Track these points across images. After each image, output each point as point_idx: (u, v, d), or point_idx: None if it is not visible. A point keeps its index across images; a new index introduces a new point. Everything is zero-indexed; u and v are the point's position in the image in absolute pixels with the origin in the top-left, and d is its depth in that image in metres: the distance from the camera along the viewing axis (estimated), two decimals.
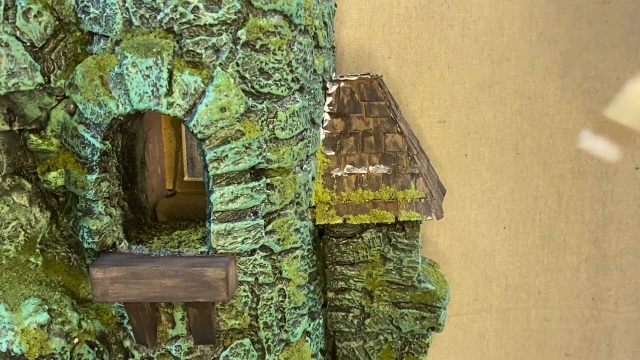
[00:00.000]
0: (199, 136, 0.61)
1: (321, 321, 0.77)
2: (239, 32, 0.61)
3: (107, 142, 0.64)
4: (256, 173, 0.65)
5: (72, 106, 0.65)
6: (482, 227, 0.89)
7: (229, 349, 0.70)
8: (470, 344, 0.94)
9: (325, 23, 0.70)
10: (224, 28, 0.60)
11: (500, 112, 0.85)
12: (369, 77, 0.73)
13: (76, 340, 0.67)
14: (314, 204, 0.71)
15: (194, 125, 0.61)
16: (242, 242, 0.65)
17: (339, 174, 0.72)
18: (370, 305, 0.76)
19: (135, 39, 0.61)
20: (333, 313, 0.77)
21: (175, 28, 0.60)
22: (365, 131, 0.73)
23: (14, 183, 0.69)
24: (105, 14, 0.61)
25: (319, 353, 0.78)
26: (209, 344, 0.70)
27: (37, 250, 0.70)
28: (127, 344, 0.72)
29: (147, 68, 0.60)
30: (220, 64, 0.61)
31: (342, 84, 0.73)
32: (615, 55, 0.84)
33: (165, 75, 0.60)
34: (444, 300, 0.76)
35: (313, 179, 0.71)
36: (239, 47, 0.61)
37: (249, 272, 0.68)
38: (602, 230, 0.89)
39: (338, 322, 0.77)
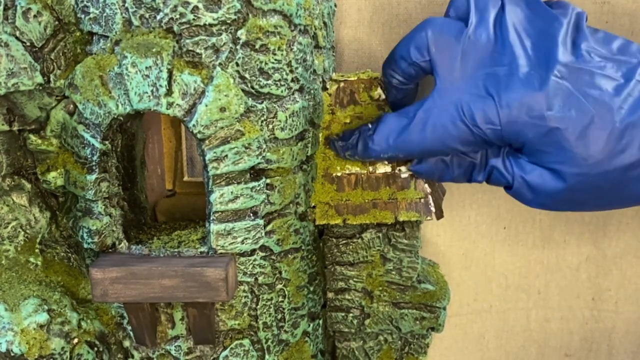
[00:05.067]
0: (199, 136, 0.61)
1: (321, 321, 0.77)
2: (239, 32, 0.61)
3: (107, 142, 0.64)
4: (256, 173, 0.65)
5: (72, 106, 0.65)
6: (482, 227, 0.89)
7: (228, 349, 0.70)
8: (470, 344, 0.94)
9: (324, 23, 0.70)
10: (223, 28, 0.60)
11: None
12: (369, 77, 0.73)
13: (75, 340, 0.67)
14: (313, 204, 0.71)
15: (194, 125, 0.61)
16: (242, 242, 0.65)
17: (339, 174, 0.72)
18: (370, 305, 0.76)
19: (135, 38, 0.61)
20: (333, 313, 0.77)
21: (175, 28, 0.60)
22: None
23: (13, 183, 0.69)
24: (105, 14, 0.61)
25: (319, 353, 0.78)
26: (209, 344, 0.70)
27: (37, 250, 0.70)
28: (127, 343, 0.72)
29: (146, 68, 0.60)
30: (220, 64, 0.61)
31: (342, 84, 0.73)
32: None
33: (164, 75, 0.60)
34: (443, 300, 0.76)
35: (313, 179, 0.71)
36: (238, 47, 0.61)
37: (249, 272, 0.68)
38: (602, 230, 0.89)
39: (338, 322, 0.77)
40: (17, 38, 0.62)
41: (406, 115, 0.64)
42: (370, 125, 0.67)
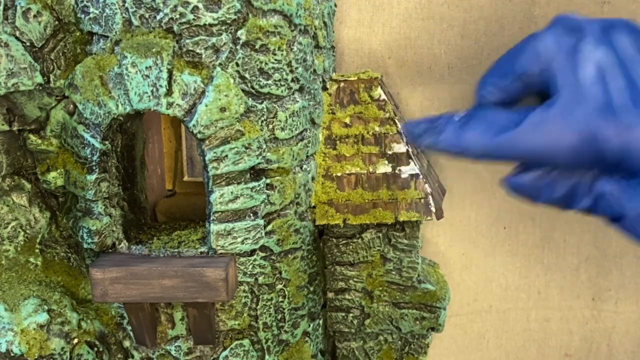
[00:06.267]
0: (199, 136, 0.61)
1: (321, 321, 0.77)
2: (239, 32, 0.61)
3: (107, 142, 0.64)
4: (256, 173, 0.65)
5: (72, 106, 0.65)
6: (482, 227, 0.89)
7: (228, 349, 0.70)
8: (470, 344, 0.94)
9: (324, 23, 0.70)
10: (223, 28, 0.60)
11: None
12: (369, 77, 0.73)
13: (75, 341, 0.67)
14: (313, 204, 0.71)
15: (194, 125, 0.61)
16: (242, 242, 0.65)
17: (339, 174, 0.72)
18: (370, 306, 0.76)
19: (135, 38, 0.61)
20: (333, 313, 0.77)
21: (175, 28, 0.60)
22: (365, 131, 0.72)
23: (13, 183, 0.69)
24: (105, 14, 0.61)
25: (319, 353, 0.78)
26: (209, 344, 0.70)
27: (37, 250, 0.70)
28: (127, 344, 0.72)
29: (146, 68, 0.60)
30: (220, 64, 0.61)
31: (342, 84, 0.73)
32: None
33: (164, 75, 0.60)
34: (443, 301, 0.76)
35: (313, 179, 0.71)
36: (238, 47, 0.61)
37: (249, 273, 0.68)
38: (602, 230, 0.89)
39: (338, 322, 0.77)
40: (17, 38, 0.62)
41: (511, 115, 0.57)
42: (458, 115, 0.59)
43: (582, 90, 0.55)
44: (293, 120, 0.65)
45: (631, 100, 0.54)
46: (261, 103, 0.63)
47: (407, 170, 0.71)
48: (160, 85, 0.60)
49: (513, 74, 0.59)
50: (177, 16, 0.59)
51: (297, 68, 0.64)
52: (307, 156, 0.69)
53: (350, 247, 0.74)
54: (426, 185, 0.71)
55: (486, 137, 0.57)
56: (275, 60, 0.62)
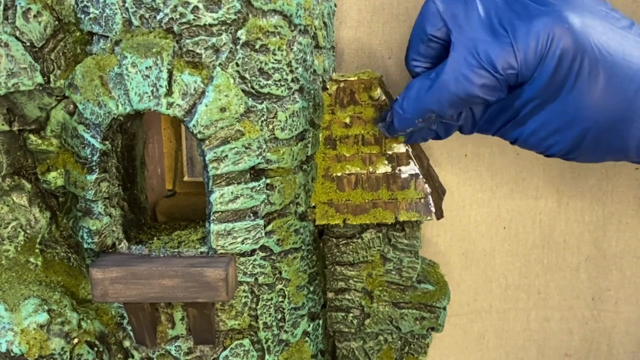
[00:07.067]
0: (199, 136, 0.61)
1: (321, 321, 0.77)
2: (239, 32, 0.61)
3: (107, 142, 0.64)
4: (256, 173, 0.65)
5: (72, 106, 0.65)
6: (482, 227, 0.89)
7: (228, 349, 0.70)
8: (470, 344, 0.94)
9: (324, 23, 0.70)
10: (223, 28, 0.60)
11: None
12: (369, 77, 0.73)
13: (75, 340, 0.67)
14: (313, 204, 0.71)
15: (194, 125, 0.61)
16: (242, 242, 0.65)
17: (339, 174, 0.72)
18: (370, 305, 0.76)
19: (135, 38, 0.61)
20: (333, 313, 0.77)
21: (175, 28, 0.60)
22: (365, 131, 0.72)
23: (13, 183, 0.69)
24: (105, 14, 0.61)
25: (319, 353, 0.78)
26: (209, 344, 0.70)
27: (37, 250, 0.70)
28: (127, 344, 0.72)
29: (146, 68, 0.60)
30: (220, 64, 0.61)
31: (342, 84, 0.73)
32: None
33: (164, 75, 0.60)
34: (443, 300, 0.76)
35: (313, 179, 0.71)
36: (238, 47, 0.61)
37: (249, 272, 0.68)
38: (601, 230, 0.89)
39: (338, 322, 0.77)
40: (17, 38, 0.62)
41: (429, 75, 0.66)
42: (398, 97, 0.69)
43: (471, 29, 0.63)
44: (293, 121, 0.65)
45: (507, 23, 0.61)
46: (261, 103, 0.63)
47: (407, 170, 0.71)
48: (160, 85, 0.60)
49: (423, 40, 0.66)
50: (177, 16, 0.59)
51: (297, 68, 0.64)
52: (307, 156, 0.69)
53: (350, 247, 0.74)
54: (426, 185, 0.71)
55: (417, 104, 0.66)
56: (275, 60, 0.62)
